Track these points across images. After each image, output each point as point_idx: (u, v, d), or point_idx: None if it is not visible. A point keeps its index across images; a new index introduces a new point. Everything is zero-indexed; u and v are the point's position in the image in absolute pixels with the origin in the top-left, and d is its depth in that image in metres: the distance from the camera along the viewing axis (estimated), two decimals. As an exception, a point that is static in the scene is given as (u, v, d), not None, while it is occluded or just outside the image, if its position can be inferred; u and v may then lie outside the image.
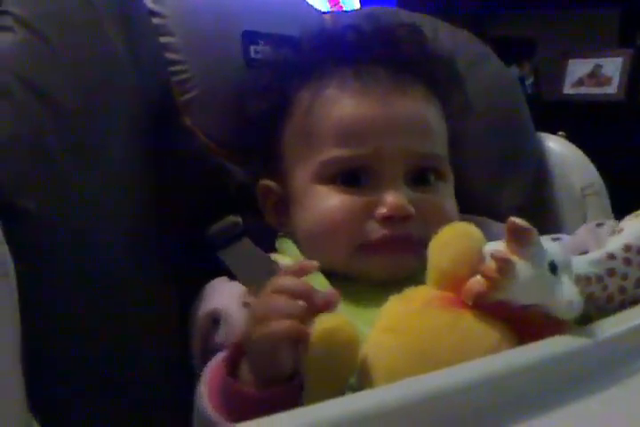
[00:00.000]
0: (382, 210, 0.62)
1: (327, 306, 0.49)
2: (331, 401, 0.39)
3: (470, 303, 0.48)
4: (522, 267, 0.46)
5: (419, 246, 0.60)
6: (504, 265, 0.46)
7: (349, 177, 0.64)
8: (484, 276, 0.47)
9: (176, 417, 0.58)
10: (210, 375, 0.55)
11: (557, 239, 0.67)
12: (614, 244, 0.53)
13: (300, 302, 0.49)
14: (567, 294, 0.46)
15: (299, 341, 0.48)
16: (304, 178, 0.66)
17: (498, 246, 0.48)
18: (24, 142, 0.58)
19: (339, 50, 0.70)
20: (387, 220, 0.62)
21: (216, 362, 0.56)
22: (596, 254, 0.52)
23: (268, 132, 0.70)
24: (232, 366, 0.52)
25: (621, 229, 0.54)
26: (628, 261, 0.52)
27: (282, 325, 0.48)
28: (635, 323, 0.49)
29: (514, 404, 0.41)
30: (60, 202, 0.59)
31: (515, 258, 0.46)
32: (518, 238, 0.47)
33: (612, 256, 0.52)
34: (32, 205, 0.57)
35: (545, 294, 0.46)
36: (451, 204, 0.68)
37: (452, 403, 0.40)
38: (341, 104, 0.66)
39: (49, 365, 0.57)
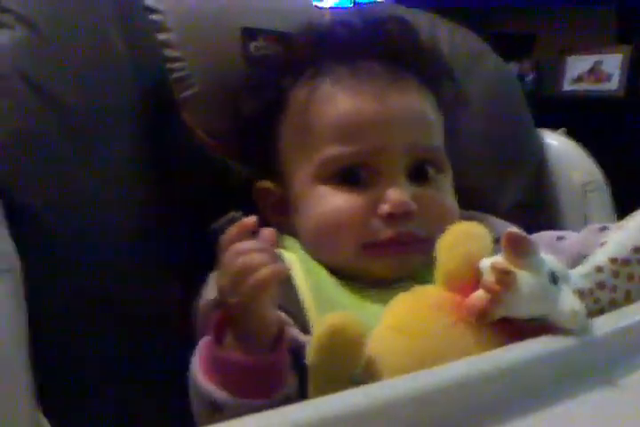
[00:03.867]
0: (385, 207, 0.62)
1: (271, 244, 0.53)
2: (312, 401, 0.39)
3: (474, 321, 0.47)
4: (523, 277, 0.45)
5: (424, 243, 0.60)
6: (505, 276, 0.45)
7: (349, 175, 0.64)
8: (484, 289, 0.46)
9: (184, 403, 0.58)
10: (201, 346, 0.54)
11: (562, 238, 0.67)
12: (600, 257, 0.52)
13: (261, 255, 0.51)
14: (570, 304, 0.45)
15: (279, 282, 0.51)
16: (304, 178, 0.66)
17: (495, 259, 0.47)
18: (25, 139, 0.58)
19: (331, 46, 0.69)
20: (390, 217, 0.62)
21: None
22: (584, 268, 0.52)
23: (263, 131, 0.70)
24: (219, 337, 0.52)
25: (605, 242, 0.54)
26: (615, 274, 0.52)
27: (262, 272, 0.50)
28: (619, 325, 0.49)
29: (502, 404, 0.41)
30: (62, 198, 0.59)
31: (515, 269, 0.46)
32: (517, 249, 0.46)
33: (600, 269, 0.52)
34: (34, 202, 0.57)
35: (548, 305, 0.46)
36: (451, 198, 0.68)
37: (438, 402, 0.40)
38: (338, 102, 0.65)
39: (51, 362, 0.56)
